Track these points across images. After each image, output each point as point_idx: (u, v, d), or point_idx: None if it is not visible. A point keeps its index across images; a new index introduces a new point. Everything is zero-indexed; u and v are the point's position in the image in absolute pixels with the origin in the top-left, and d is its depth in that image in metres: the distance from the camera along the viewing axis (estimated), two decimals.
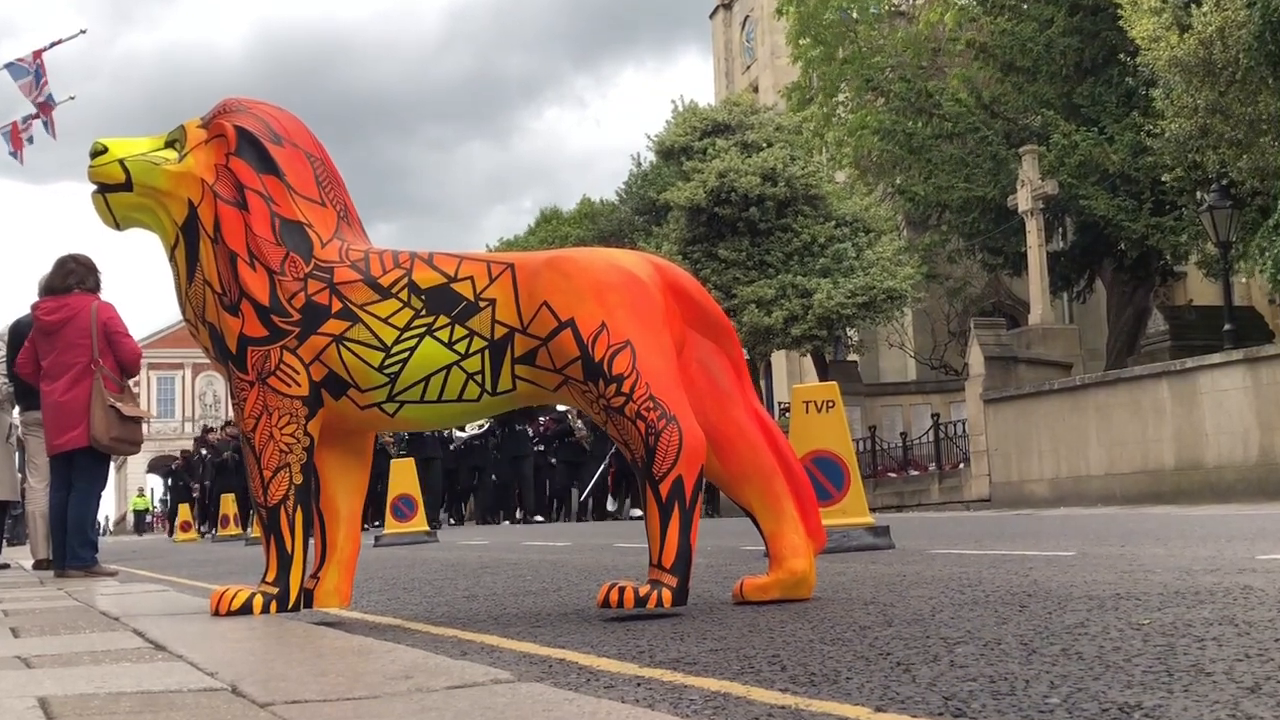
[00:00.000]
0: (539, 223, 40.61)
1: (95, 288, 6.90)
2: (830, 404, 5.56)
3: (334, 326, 3.21)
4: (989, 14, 21.29)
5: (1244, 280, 21.83)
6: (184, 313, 3.42)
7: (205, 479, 20.73)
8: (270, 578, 3.27)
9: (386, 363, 3.20)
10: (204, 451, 21.39)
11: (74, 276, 6.79)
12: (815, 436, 5.49)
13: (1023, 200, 18.42)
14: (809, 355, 25.29)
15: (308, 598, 3.34)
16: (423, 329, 3.19)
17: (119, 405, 6.59)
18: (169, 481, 27.35)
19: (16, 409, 8.19)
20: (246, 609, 3.20)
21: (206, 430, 23.67)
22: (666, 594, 2.97)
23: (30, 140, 16.64)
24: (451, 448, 18.47)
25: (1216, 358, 12.76)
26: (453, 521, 18.68)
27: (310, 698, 1.74)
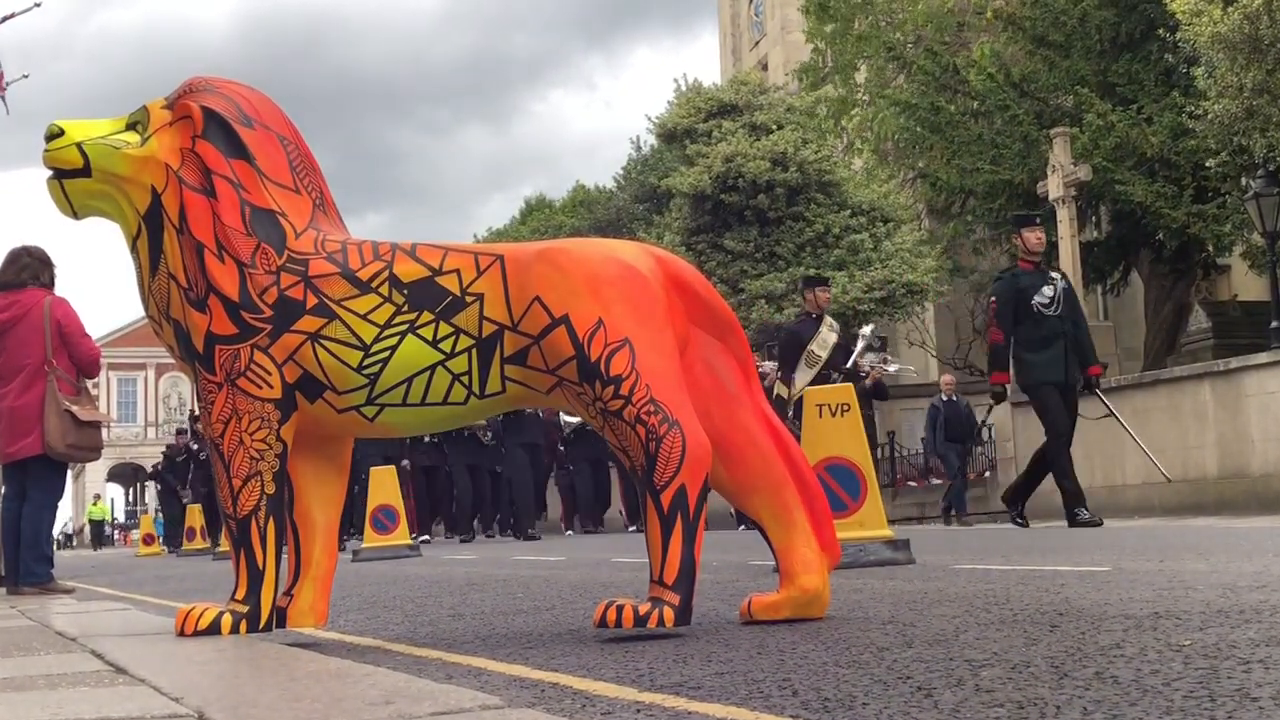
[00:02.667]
0: (529, 212, 40.60)
1: (49, 283, 6.90)
2: (845, 407, 5.56)
3: (309, 324, 3.21)
4: None
5: None
6: (146, 309, 3.42)
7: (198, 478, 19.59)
8: (240, 595, 3.27)
9: (365, 363, 3.20)
10: (194, 446, 20.55)
11: (28, 271, 6.80)
12: (829, 442, 5.48)
13: (1054, 187, 18.42)
14: None
15: (280, 617, 3.34)
16: (405, 326, 3.19)
17: (74, 409, 6.59)
18: (157, 485, 25.91)
19: None
20: (214, 629, 3.20)
21: (195, 418, 22.55)
22: (668, 613, 2.97)
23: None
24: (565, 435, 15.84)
25: (1263, 357, 12.75)
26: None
27: None
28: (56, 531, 7.24)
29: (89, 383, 7.08)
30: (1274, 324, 14.67)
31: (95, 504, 48.47)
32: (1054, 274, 9.74)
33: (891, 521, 6.49)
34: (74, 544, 49.14)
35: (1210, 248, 19.98)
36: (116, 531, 52.06)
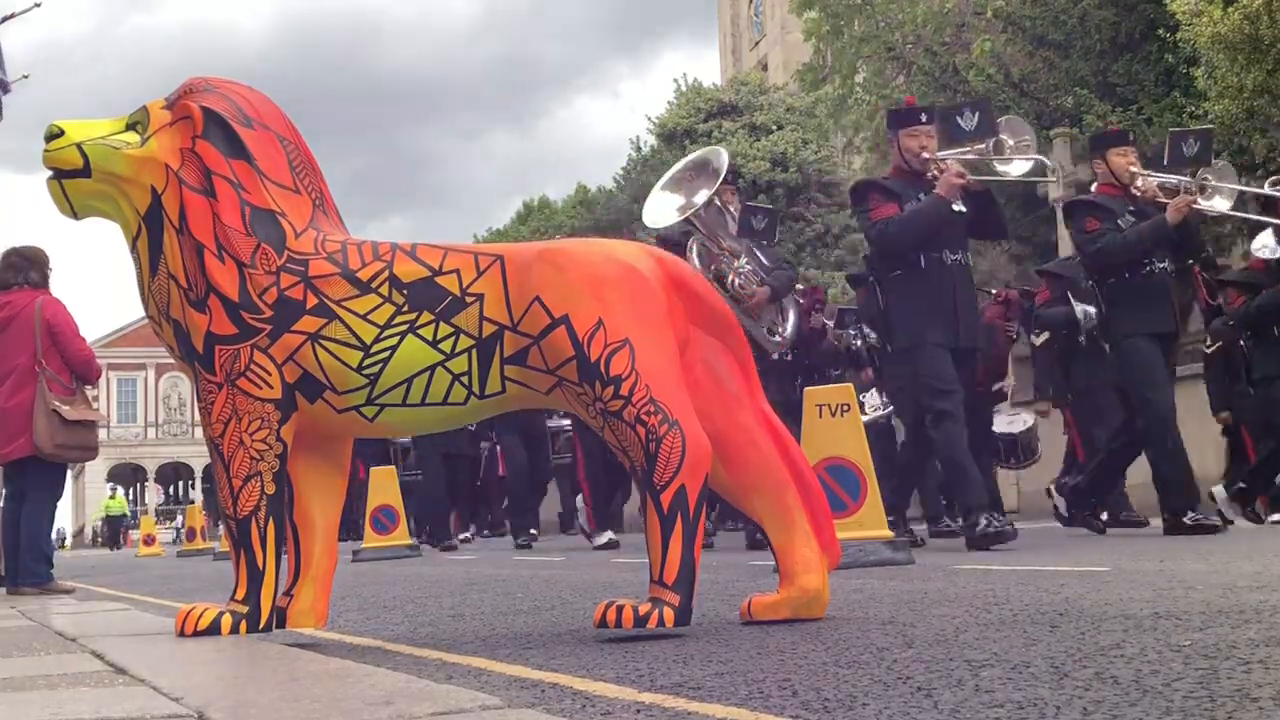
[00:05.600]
0: (528, 212, 40.61)
1: (38, 282, 6.91)
2: (846, 407, 5.56)
3: (309, 324, 3.21)
4: None
5: None
6: (146, 309, 3.42)
7: None
8: (240, 595, 3.27)
9: (365, 363, 3.20)
10: None
11: (20, 273, 6.82)
12: (829, 443, 5.48)
13: (1053, 187, 18.42)
14: None
15: (280, 617, 3.35)
16: (405, 326, 3.20)
17: (60, 409, 6.60)
18: None
19: None
20: (214, 629, 3.20)
21: None
22: (668, 613, 2.97)
23: None
24: None
25: None
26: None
27: None
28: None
29: (86, 387, 7.09)
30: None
31: (113, 497, 43.05)
32: None
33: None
34: (64, 543, 45.69)
35: (1210, 248, 19.96)
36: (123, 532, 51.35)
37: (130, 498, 63.71)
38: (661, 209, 7.92)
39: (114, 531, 39.15)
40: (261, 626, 3.26)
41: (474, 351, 3.19)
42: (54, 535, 7.46)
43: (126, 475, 63.41)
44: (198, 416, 3.45)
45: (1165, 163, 7.86)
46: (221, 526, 4.19)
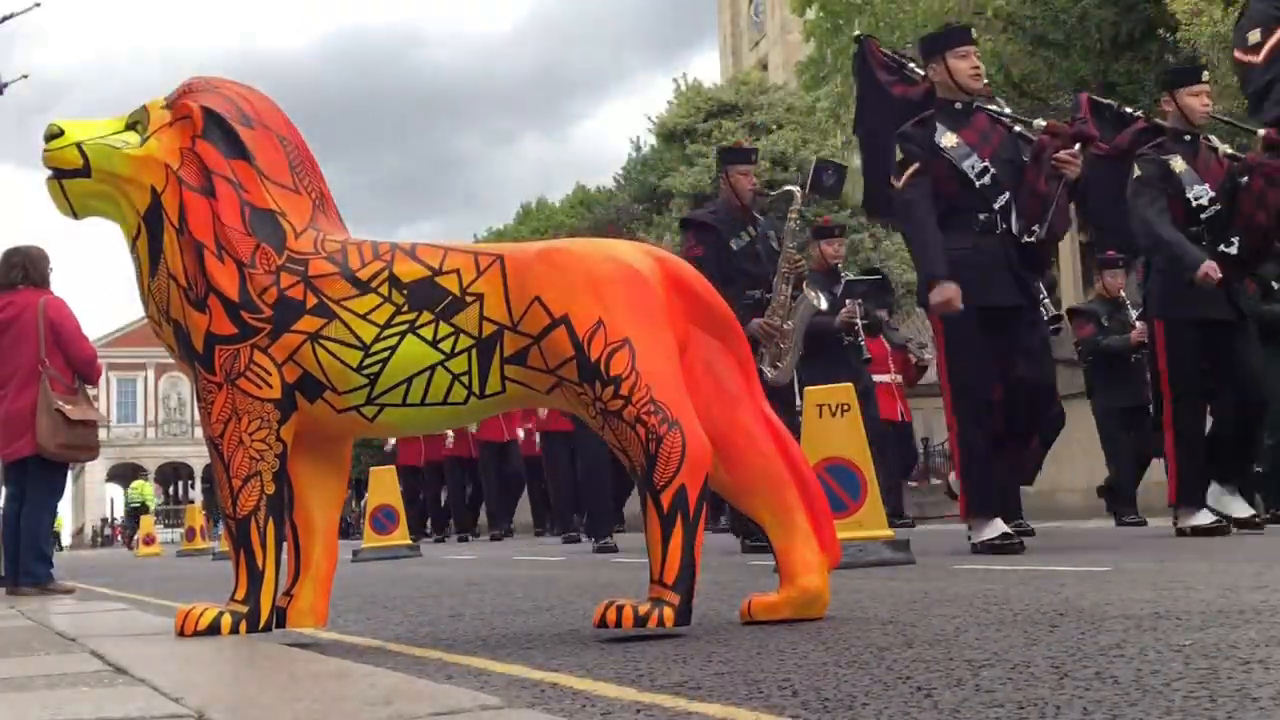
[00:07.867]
0: (527, 213, 40.61)
1: (43, 282, 6.92)
2: (845, 407, 5.56)
3: (309, 324, 3.21)
4: None
5: None
6: (146, 309, 3.42)
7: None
8: (240, 595, 3.27)
9: (365, 363, 3.20)
10: None
11: (17, 271, 6.83)
12: (829, 443, 5.48)
13: None
14: None
15: (280, 617, 3.35)
16: (404, 326, 3.20)
17: (65, 409, 6.61)
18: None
19: None
20: (214, 629, 3.20)
21: None
22: (668, 613, 2.97)
23: None
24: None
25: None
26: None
27: None
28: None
29: (88, 388, 7.10)
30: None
31: (140, 484, 36.80)
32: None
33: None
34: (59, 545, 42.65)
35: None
36: (111, 529, 50.91)
37: (129, 498, 63.59)
38: None
39: (136, 526, 32.88)
40: (261, 626, 3.26)
41: (474, 351, 3.19)
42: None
43: (126, 475, 63.40)
44: (198, 416, 3.45)
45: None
46: (221, 526, 4.19)
